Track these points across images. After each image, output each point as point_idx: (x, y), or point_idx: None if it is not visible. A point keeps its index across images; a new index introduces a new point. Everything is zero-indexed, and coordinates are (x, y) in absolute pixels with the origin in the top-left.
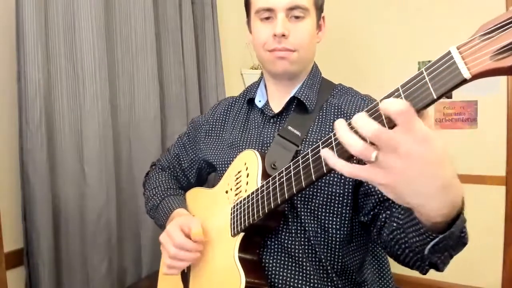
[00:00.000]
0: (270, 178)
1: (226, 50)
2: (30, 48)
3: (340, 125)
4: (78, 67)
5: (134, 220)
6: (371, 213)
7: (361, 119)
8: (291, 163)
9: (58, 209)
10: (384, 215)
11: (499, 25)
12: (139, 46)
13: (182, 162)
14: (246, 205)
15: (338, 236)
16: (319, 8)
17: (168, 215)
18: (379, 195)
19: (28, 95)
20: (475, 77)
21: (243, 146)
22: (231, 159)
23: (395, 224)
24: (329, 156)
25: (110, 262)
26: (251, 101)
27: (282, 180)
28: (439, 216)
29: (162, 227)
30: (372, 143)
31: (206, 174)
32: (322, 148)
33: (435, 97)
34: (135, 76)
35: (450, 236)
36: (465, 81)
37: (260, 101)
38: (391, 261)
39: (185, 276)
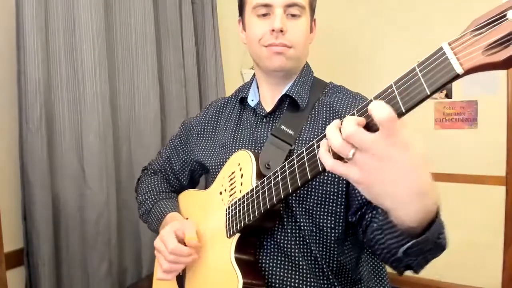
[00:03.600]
0: (265, 178)
1: (226, 50)
2: (30, 48)
3: (335, 121)
4: (78, 67)
5: (134, 220)
6: (358, 213)
7: (346, 120)
8: (286, 163)
9: (58, 209)
10: (370, 214)
11: (490, 20)
12: (139, 46)
13: (174, 164)
14: (241, 206)
15: (333, 234)
16: (313, 10)
17: (161, 220)
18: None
19: (28, 95)
20: (468, 72)
21: (236, 147)
22: (224, 160)
23: (375, 225)
24: (322, 143)
25: (110, 262)
26: (243, 100)
27: (277, 179)
28: (412, 221)
29: (155, 232)
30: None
31: (198, 176)
32: (316, 145)
33: (428, 93)
34: (135, 76)
35: (425, 241)
36: (457, 76)
37: (252, 100)
38: None
39: (180, 279)
